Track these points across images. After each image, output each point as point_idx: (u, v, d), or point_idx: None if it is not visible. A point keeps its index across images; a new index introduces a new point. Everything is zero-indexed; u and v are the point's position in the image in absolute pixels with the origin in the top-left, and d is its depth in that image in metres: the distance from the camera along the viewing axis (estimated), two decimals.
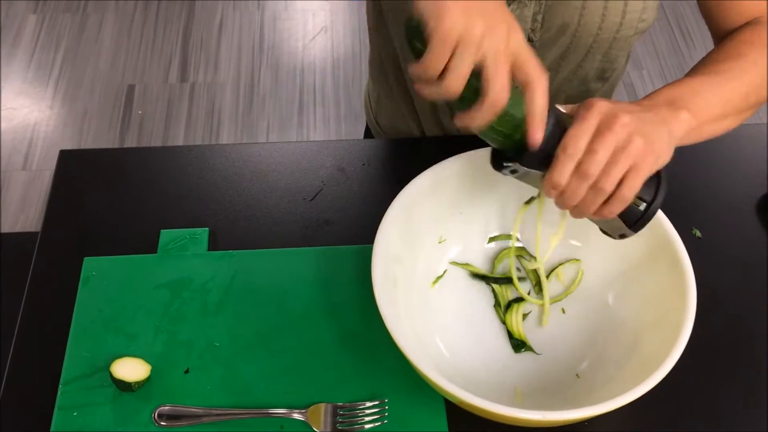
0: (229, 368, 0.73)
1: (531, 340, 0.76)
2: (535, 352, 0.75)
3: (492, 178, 0.78)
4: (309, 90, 2.32)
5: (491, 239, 0.82)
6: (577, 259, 0.79)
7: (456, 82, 0.56)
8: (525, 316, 0.77)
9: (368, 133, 1.13)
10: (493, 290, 0.79)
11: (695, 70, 0.72)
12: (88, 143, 2.16)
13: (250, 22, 2.49)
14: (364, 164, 0.90)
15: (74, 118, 2.22)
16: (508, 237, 0.81)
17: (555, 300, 0.78)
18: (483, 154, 0.76)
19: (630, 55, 0.94)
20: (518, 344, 0.75)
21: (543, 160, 0.61)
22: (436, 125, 0.98)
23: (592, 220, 0.67)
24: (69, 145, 2.15)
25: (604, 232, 0.69)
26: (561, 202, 0.62)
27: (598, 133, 0.59)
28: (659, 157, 0.61)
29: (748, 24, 0.77)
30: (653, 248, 0.72)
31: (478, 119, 0.58)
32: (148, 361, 0.72)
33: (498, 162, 0.65)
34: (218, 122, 2.22)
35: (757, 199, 0.87)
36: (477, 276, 0.80)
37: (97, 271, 0.79)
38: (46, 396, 0.71)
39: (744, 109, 0.72)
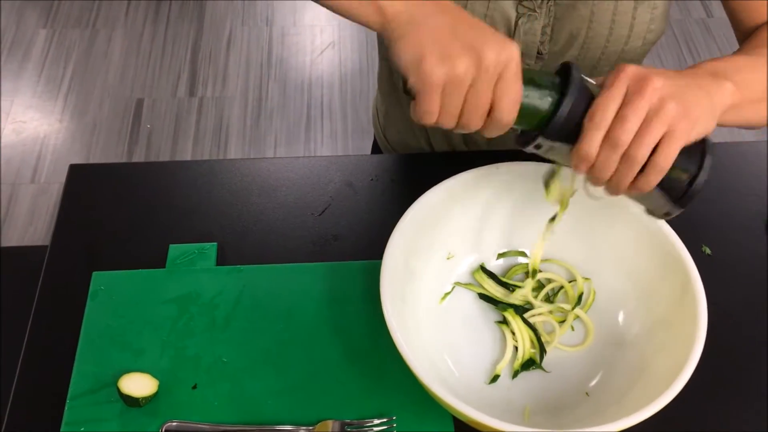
0: (236, 384, 0.73)
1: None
2: (544, 370, 0.74)
3: (501, 194, 0.78)
4: (316, 105, 2.33)
5: (500, 255, 0.81)
6: (587, 278, 0.79)
7: (449, 121, 0.57)
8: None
9: (376, 148, 1.13)
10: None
11: (733, 54, 0.69)
12: (97, 157, 2.16)
13: (259, 37, 2.50)
14: (372, 179, 0.90)
15: (83, 131, 2.23)
16: (518, 253, 0.81)
17: (560, 320, 0.77)
18: (492, 171, 0.76)
19: None
20: (528, 362, 0.75)
21: (570, 132, 0.58)
22: (445, 140, 0.98)
23: (633, 199, 0.63)
24: (77, 159, 2.16)
25: (650, 213, 0.64)
26: (593, 177, 0.59)
27: (628, 99, 0.56)
28: (697, 123, 0.57)
29: None
30: (664, 267, 0.72)
31: (489, 133, 0.58)
32: (155, 377, 0.72)
33: (523, 138, 0.62)
34: (226, 136, 2.23)
35: (767, 215, 0.87)
36: (484, 297, 0.79)
37: (106, 285, 0.79)
38: (54, 411, 0.71)
39: None
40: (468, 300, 0.79)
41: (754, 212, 0.87)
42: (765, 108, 0.67)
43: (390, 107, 1.02)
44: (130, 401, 0.70)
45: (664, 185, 0.59)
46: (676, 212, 0.61)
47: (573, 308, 0.76)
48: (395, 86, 0.97)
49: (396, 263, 0.70)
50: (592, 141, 0.56)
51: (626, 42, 0.79)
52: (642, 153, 0.55)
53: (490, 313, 0.78)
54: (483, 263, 0.80)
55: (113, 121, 2.25)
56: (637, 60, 0.85)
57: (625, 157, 0.56)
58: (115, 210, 0.86)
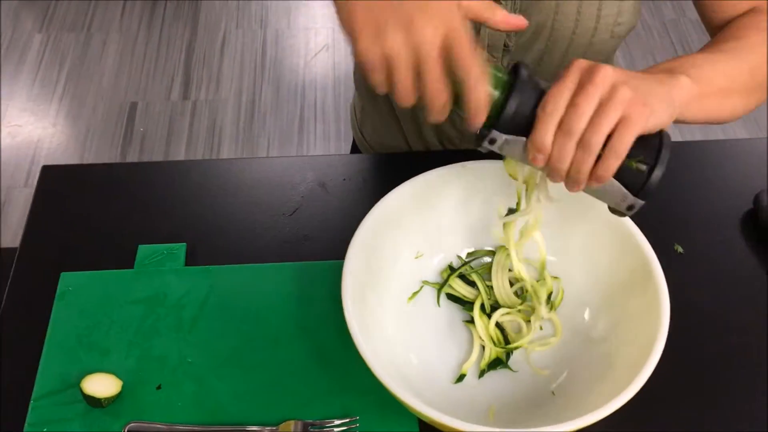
0: (201, 384, 0.73)
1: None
2: (511, 369, 0.74)
3: (470, 192, 0.78)
4: (310, 107, 2.33)
5: (469, 254, 0.81)
6: (556, 277, 0.78)
7: (404, 98, 0.56)
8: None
9: (355, 148, 1.13)
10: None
11: (695, 53, 0.69)
12: (90, 160, 2.17)
13: (253, 39, 2.51)
14: (344, 179, 0.90)
15: (77, 135, 2.23)
16: (486, 253, 0.81)
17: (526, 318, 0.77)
18: (459, 170, 0.76)
19: (614, 64, 0.94)
20: (495, 362, 0.74)
21: (524, 125, 0.58)
22: (419, 139, 0.98)
23: (595, 196, 0.62)
24: (71, 162, 2.17)
25: (613, 210, 0.63)
26: (551, 169, 0.58)
27: (580, 87, 0.55)
28: (654, 111, 0.56)
29: (746, 14, 0.75)
30: (628, 264, 0.71)
31: (433, 117, 0.58)
32: (119, 377, 0.72)
33: (478, 136, 0.61)
34: (219, 139, 2.23)
35: (741, 215, 0.86)
36: (452, 297, 0.78)
37: (74, 286, 0.79)
38: (18, 412, 0.71)
39: (751, 87, 0.68)
40: (435, 299, 0.79)
41: (728, 211, 0.86)
42: (729, 102, 0.67)
43: (366, 103, 1.02)
44: (93, 402, 0.70)
45: (623, 178, 0.58)
46: (639, 206, 0.60)
47: (542, 307, 0.76)
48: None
49: (358, 264, 0.70)
50: (546, 130, 0.55)
51: (593, 34, 0.78)
52: (597, 138, 0.55)
53: (459, 313, 0.78)
54: (451, 263, 0.80)
55: (107, 125, 2.26)
56: (607, 53, 0.84)
57: (581, 144, 0.55)
58: (87, 211, 0.86)
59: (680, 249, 0.83)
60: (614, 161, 0.56)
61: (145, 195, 0.88)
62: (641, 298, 0.69)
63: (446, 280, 0.78)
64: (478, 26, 0.79)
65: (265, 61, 2.44)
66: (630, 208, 0.61)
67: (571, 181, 0.58)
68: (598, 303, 0.75)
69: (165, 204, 0.87)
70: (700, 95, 0.62)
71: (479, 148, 0.61)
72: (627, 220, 0.71)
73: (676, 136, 2.21)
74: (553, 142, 0.56)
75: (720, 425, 0.71)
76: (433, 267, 0.80)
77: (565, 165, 0.57)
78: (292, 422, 0.69)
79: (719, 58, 0.66)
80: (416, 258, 0.79)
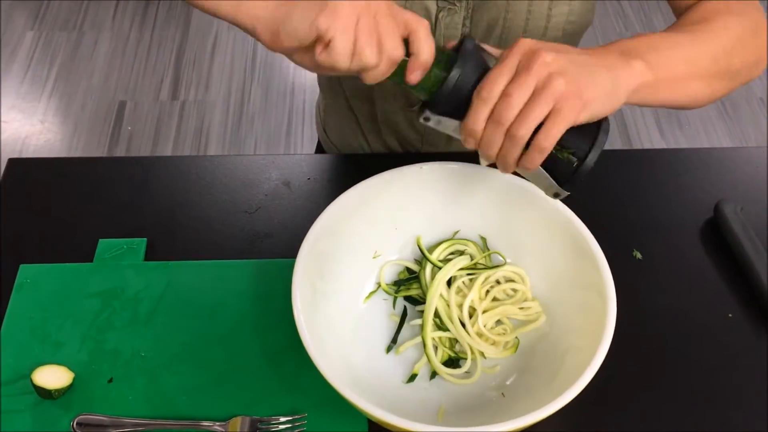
0: (152, 379, 0.73)
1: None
2: (462, 370, 0.74)
3: (427, 193, 0.78)
4: (298, 110, 2.33)
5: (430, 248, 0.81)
6: (511, 280, 0.78)
7: (339, 60, 0.58)
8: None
9: (320, 148, 1.14)
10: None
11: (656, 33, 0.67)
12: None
13: (244, 41, 2.51)
14: (309, 179, 0.90)
15: (64, 133, 2.24)
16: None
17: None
18: (414, 170, 0.76)
19: None
20: (446, 363, 0.74)
21: (459, 106, 0.58)
22: (378, 138, 0.98)
23: (525, 177, 0.63)
24: None
25: (545, 192, 0.64)
26: (480, 151, 0.59)
27: (516, 75, 0.55)
28: (589, 104, 0.56)
29: None
30: (579, 269, 0.71)
31: (369, 79, 0.60)
32: (72, 370, 0.72)
33: (418, 110, 0.62)
34: (206, 140, 2.23)
35: (702, 223, 0.86)
36: (407, 297, 0.79)
37: (32, 278, 0.79)
38: None
39: (714, 73, 0.66)
40: (392, 298, 0.79)
41: (688, 219, 0.87)
42: (686, 87, 0.65)
43: (328, 102, 1.03)
44: (44, 393, 0.70)
45: (550, 166, 0.58)
46: (564, 194, 0.61)
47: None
48: (332, 80, 0.97)
49: (311, 263, 0.70)
50: (478, 117, 0.56)
51: (544, 33, 0.79)
52: (523, 132, 0.55)
53: (415, 313, 0.78)
54: (407, 264, 0.80)
55: (94, 123, 2.26)
56: None
57: (509, 134, 0.56)
58: (49, 204, 0.87)
59: (639, 255, 0.83)
60: (538, 155, 0.56)
61: (108, 190, 0.88)
62: (591, 300, 0.69)
63: (398, 289, 0.78)
64: (432, 26, 0.80)
65: (255, 63, 2.45)
66: (556, 195, 0.62)
67: (500, 164, 0.59)
68: (548, 303, 0.75)
69: (128, 199, 0.87)
70: (655, 81, 0.61)
71: (420, 121, 0.62)
72: (578, 222, 0.71)
73: (657, 141, 2.22)
74: (484, 128, 0.56)
75: (667, 426, 0.71)
76: (390, 267, 0.80)
77: (493, 151, 0.57)
78: (240, 418, 0.70)
79: (681, 40, 0.65)
80: (374, 258, 0.79)
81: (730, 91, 0.70)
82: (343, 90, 0.96)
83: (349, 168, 0.93)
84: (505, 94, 0.55)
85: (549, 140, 0.55)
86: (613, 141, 2.23)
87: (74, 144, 2.21)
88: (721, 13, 0.69)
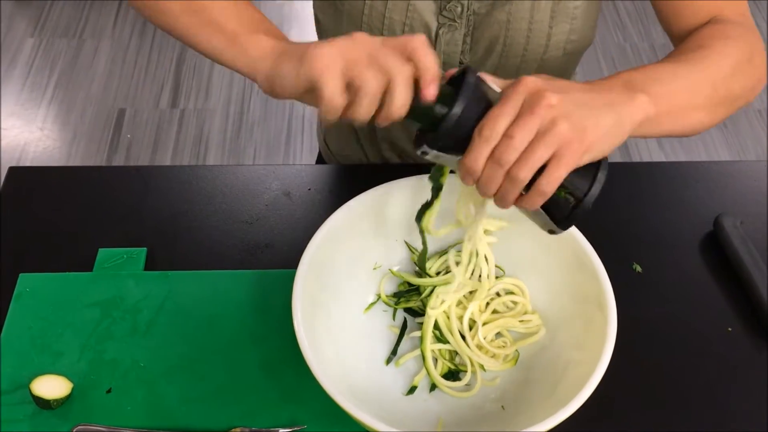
0: (151, 389, 0.73)
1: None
2: (462, 383, 0.74)
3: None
4: (298, 119, 2.34)
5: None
6: (511, 292, 0.78)
7: (332, 103, 0.57)
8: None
9: (320, 159, 1.14)
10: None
11: (657, 62, 0.67)
12: (76, 165, 2.17)
13: None
14: (309, 189, 0.90)
15: (64, 140, 2.24)
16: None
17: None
18: (416, 182, 0.76)
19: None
20: (446, 375, 0.74)
21: (457, 142, 0.57)
22: (376, 150, 0.98)
23: (522, 213, 0.62)
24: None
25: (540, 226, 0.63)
26: (479, 190, 0.58)
27: (519, 115, 0.54)
28: (592, 147, 0.55)
29: (708, 23, 0.73)
30: (579, 282, 0.71)
31: (393, 108, 0.57)
32: (71, 379, 0.72)
33: (417, 144, 0.61)
34: (205, 148, 2.24)
35: (701, 237, 0.86)
36: (408, 309, 0.79)
37: (31, 287, 0.79)
38: None
39: (715, 101, 0.67)
40: (392, 310, 0.79)
41: (688, 233, 0.87)
42: (688, 117, 0.65)
43: None
44: (42, 403, 0.70)
45: (548, 205, 0.58)
46: (559, 232, 0.61)
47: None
48: None
49: (311, 274, 0.70)
50: (478, 156, 0.55)
51: (545, 51, 0.79)
52: (524, 175, 0.54)
53: (415, 324, 0.78)
54: (407, 278, 0.80)
55: (94, 131, 2.26)
56: (563, 68, 0.85)
57: (509, 175, 0.55)
58: (50, 213, 0.87)
59: (639, 268, 0.83)
60: (539, 198, 0.56)
61: (108, 199, 0.88)
62: (591, 313, 0.69)
63: (398, 301, 0.78)
64: (432, 43, 0.80)
65: None
66: (551, 231, 0.62)
67: (498, 202, 0.59)
68: (548, 316, 0.75)
69: (128, 209, 0.87)
70: (657, 114, 0.61)
71: (417, 154, 0.61)
72: (578, 235, 0.71)
73: (656, 152, 2.23)
74: (484, 167, 0.55)
75: None
76: (390, 279, 0.80)
77: (491, 191, 0.57)
78: (239, 429, 0.69)
79: (682, 71, 0.65)
80: (374, 269, 0.79)
81: (728, 116, 0.71)
82: None
83: (350, 179, 0.93)
84: (507, 135, 0.54)
85: (551, 185, 0.55)
86: (612, 153, 2.23)
87: (73, 151, 2.21)
88: (718, 38, 0.69)
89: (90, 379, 0.73)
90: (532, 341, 0.75)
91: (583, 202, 0.57)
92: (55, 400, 0.70)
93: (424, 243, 0.73)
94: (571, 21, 0.78)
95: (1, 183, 0.90)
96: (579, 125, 0.54)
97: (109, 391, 0.72)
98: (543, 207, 0.59)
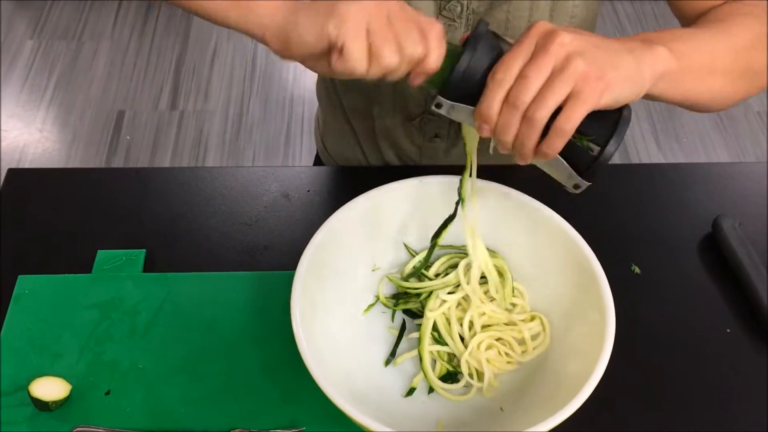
0: (150, 391, 0.73)
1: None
2: (461, 384, 0.74)
3: (427, 207, 0.78)
4: (297, 121, 2.34)
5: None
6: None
7: (356, 66, 0.57)
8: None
9: (318, 161, 1.14)
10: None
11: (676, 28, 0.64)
12: (75, 166, 2.17)
13: (244, 51, 2.52)
14: (308, 191, 0.90)
15: (63, 141, 2.24)
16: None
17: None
18: (414, 183, 0.76)
19: None
20: (445, 376, 0.74)
21: (471, 92, 0.55)
22: (376, 151, 0.98)
23: (544, 169, 0.60)
24: None
25: (563, 185, 0.60)
26: (495, 139, 0.56)
27: (533, 56, 0.52)
28: (611, 86, 0.52)
29: (724, 3, 0.71)
30: (577, 283, 0.71)
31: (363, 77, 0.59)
32: (69, 381, 0.72)
33: (430, 98, 0.60)
34: (204, 150, 2.24)
35: (700, 239, 0.86)
36: (407, 311, 0.79)
37: (30, 289, 0.79)
38: None
39: (736, 71, 0.64)
40: (391, 311, 0.79)
41: (686, 234, 0.87)
42: (709, 80, 0.62)
43: (327, 115, 1.03)
44: (41, 405, 0.70)
45: (572, 155, 0.55)
46: (584, 185, 0.58)
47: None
48: (331, 93, 0.98)
49: (310, 276, 0.70)
50: (493, 100, 0.53)
51: None
52: (541, 114, 0.52)
53: (413, 326, 0.78)
54: (403, 284, 0.80)
55: (93, 132, 2.26)
56: None
57: (525, 118, 0.53)
58: (49, 215, 0.87)
59: (637, 270, 0.83)
60: (558, 140, 0.53)
61: (107, 201, 0.88)
62: (590, 314, 0.69)
63: (397, 302, 0.78)
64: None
65: (254, 74, 2.46)
66: (576, 186, 0.59)
67: (516, 153, 0.56)
68: (547, 317, 0.75)
69: (127, 210, 0.87)
70: (679, 69, 0.58)
71: (432, 109, 0.60)
72: (577, 237, 0.71)
73: (655, 153, 2.23)
74: (499, 113, 0.53)
75: None
76: (389, 280, 0.80)
77: (509, 138, 0.55)
78: (238, 431, 0.69)
79: (703, 34, 0.62)
80: (373, 271, 0.79)
81: (749, 95, 0.68)
82: (341, 106, 0.96)
83: (349, 180, 0.93)
84: (521, 76, 0.52)
85: (570, 123, 0.52)
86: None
87: (73, 153, 2.21)
88: (737, 14, 0.67)
89: (89, 381, 0.73)
90: (531, 347, 0.74)
91: (606, 149, 0.55)
92: (54, 402, 0.70)
93: (428, 257, 0.75)
94: (570, 20, 0.78)
95: (1, 184, 0.90)
96: (596, 63, 0.52)
97: (107, 393, 0.72)
98: (565, 158, 0.56)
